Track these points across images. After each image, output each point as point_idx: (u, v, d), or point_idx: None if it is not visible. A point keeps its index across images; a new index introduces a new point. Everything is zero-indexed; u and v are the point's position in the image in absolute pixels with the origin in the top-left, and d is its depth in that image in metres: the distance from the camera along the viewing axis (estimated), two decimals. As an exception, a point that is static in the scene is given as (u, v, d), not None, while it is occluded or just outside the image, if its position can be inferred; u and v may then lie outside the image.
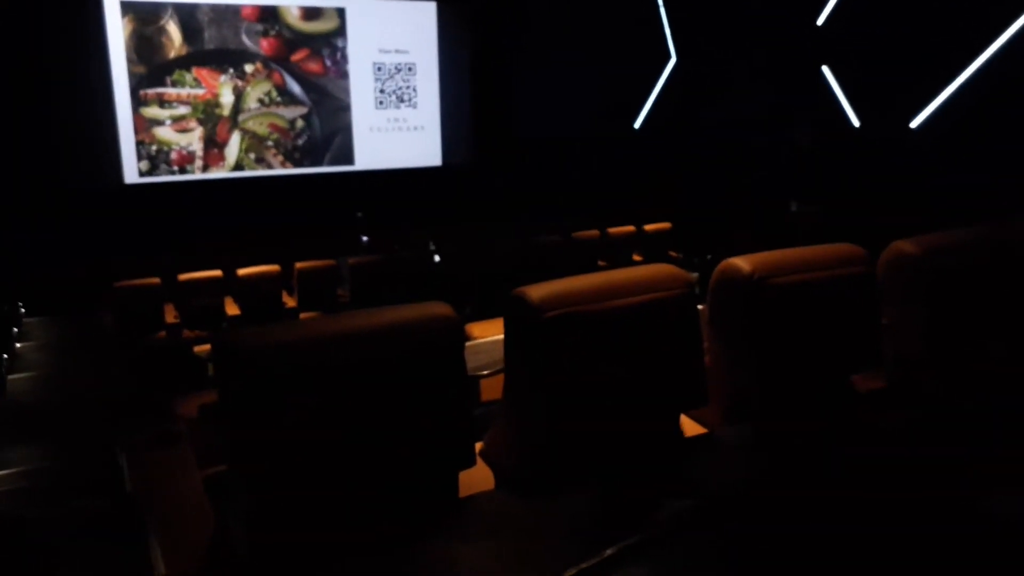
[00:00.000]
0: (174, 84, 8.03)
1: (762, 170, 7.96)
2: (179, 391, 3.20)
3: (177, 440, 2.39)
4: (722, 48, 8.45)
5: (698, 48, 8.90)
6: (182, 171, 8.21)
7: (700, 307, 1.67)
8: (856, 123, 7.24)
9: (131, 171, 7.99)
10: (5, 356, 5.57)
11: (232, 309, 5.95)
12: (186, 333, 5.70)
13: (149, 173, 8.07)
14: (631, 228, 7.46)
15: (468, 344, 1.43)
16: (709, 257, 6.40)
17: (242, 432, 1.29)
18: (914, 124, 6.65)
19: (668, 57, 9.29)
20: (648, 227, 7.49)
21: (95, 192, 7.71)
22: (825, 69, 7.43)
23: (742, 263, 1.69)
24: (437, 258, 7.20)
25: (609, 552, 1.13)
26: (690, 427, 1.82)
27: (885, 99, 6.90)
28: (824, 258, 1.78)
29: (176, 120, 8.11)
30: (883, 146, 6.91)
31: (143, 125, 7.97)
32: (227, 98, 8.27)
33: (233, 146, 8.38)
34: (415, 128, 9.31)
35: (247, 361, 1.25)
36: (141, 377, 5.16)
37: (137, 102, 7.92)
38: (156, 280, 5.76)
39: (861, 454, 1.55)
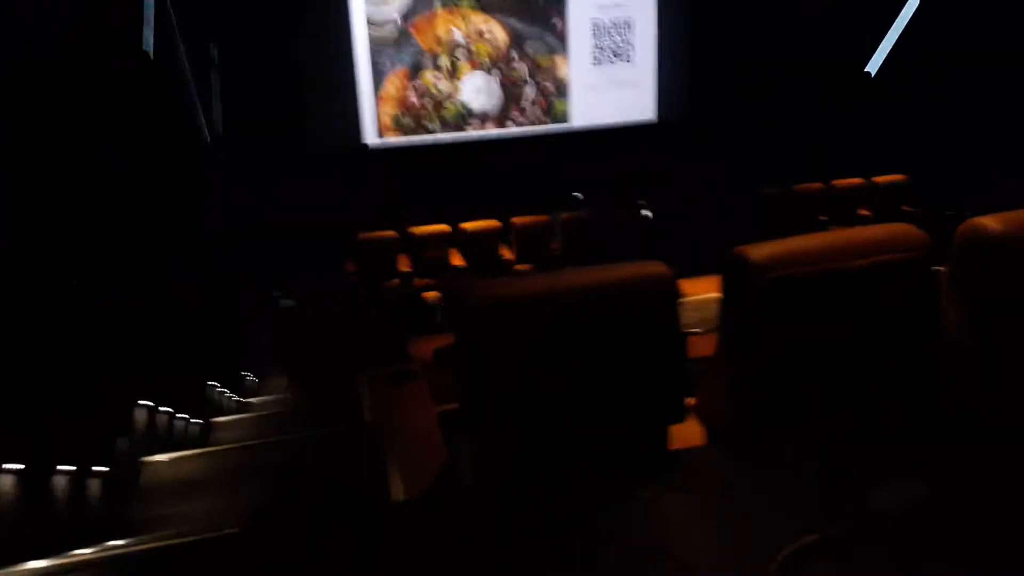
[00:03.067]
0: (408, 48, 8.59)
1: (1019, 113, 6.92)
2: (412, 333, 3.50)
3: (413, 377, 2.65)
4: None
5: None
6: (415, 133, 8.80)
7: (939, 269, 1.56)
8: None
9: (371, 133, 8.73)
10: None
11: (456, 260, 6.37)
12: (417, 281, 6.22)
13: (385, 135, 8.76)
14: (859, 180, 6.88)
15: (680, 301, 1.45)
16: (951, 214, 5.72)
17: (471, 376, 1.42)
18: None
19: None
20: (878, 179, 6.86)
21: (340, 153, 8.54)
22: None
23: (991, 222, 1.54)
24: (648, 213, 7.13)
25: (811, 539, 1.08)
26: (920, 396, 1.71)
27: None
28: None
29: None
30: None
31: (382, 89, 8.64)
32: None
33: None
34: (630, 84, 9.19)
35: (480, 313, 1.38)
36: (380, 319, 5.73)
37: (376, 70, 8.58)
38: (392, 233, 6.34)
39: None
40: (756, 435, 1.50)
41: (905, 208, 6.73)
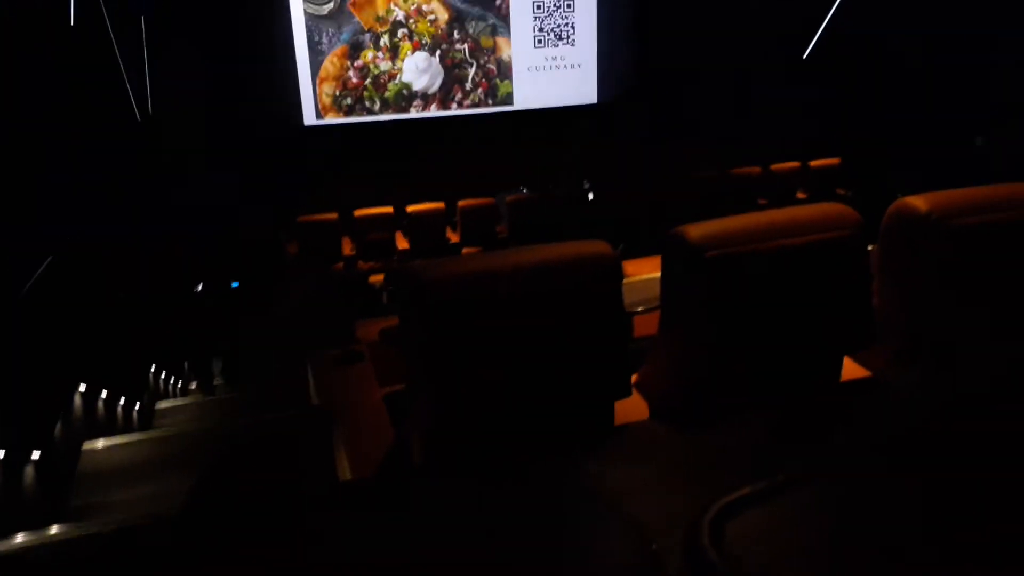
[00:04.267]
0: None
1: (944, 99, 7.20)
2: (357, 316, 3.48)
3: (359, 360, 2.64)
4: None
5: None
6: (353, 112, 8.66)
7: (870, 247, 1.62)
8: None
9: (309, 114, 8.55)
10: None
11: (402, 243, 6.32)
12: (361, 264, 6.14)
13: (325, 116, 8.59)
14: (795, 164, 7.08)
15: (623, 281, 1.48)
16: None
17: (417, 355, 1.42)
18: None
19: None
20: (814, 163, 7.08)
21: (278, 133, 8.34)
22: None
23: (918, 202, 1.61)
24: (591, 196, 7.21)
25: (754, 488, 1.13)
26: (853, 370, 1.78)
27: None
28: (1015, 197, 1.65)
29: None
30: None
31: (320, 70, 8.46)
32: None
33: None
34: (572, 66, 9.21)
35: (427, 292, 1.38)
36: (324, 302, 5.66)
37: (314, 49, 8.40)
38: (334, 215, 6.24)
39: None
40: (696, 409, 1.54)
41: (840, 191, 6.96)
